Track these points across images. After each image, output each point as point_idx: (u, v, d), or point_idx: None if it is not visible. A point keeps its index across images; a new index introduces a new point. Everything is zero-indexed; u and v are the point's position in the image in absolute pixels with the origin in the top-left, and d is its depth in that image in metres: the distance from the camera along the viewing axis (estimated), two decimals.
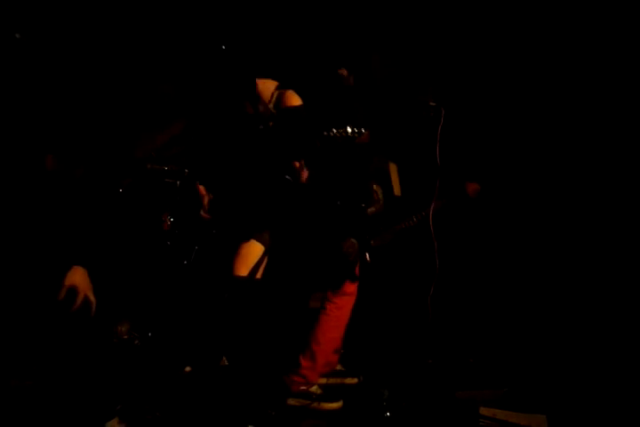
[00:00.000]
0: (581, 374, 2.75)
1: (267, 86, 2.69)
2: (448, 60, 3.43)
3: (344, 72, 2.95)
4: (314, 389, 2.83)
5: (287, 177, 2.49)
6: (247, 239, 2.60)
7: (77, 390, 2.07)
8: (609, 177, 3.11)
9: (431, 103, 2.91)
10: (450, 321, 3.23)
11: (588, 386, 2.64)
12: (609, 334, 2.90)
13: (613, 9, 3.07)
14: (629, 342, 2.80)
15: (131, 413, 2.31)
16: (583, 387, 2.64)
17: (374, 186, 3.20)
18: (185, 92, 3.05)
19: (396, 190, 3.33)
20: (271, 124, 2.56)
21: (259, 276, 2.58)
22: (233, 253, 2.59)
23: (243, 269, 2.55)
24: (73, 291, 2.03)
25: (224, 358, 2.76)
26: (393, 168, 3.35)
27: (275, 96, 2.68)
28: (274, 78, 2.76)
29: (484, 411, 2.52)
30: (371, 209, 3.11)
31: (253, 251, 2.59)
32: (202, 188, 2.98)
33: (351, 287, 2.90)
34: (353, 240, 2.85)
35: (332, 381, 2.96)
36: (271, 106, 2.65)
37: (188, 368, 2.78)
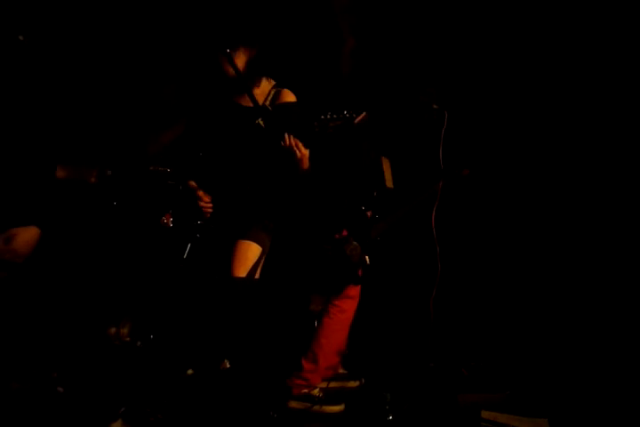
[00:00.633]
0: (583, 378, 2.76)
1: (264, 84, 2.74)
2: (452, 63, 3.44)
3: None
4: (316, 392, 2.84)
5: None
6: (245, 240, 2.60)
7: (81, 392, 2.07)
8: (611, 183, 3.11)
9: (434, 106, 2.92)
10: (452, 324, 3.23)
11: (590, 390, 2.65)
12: (610, 338, 2.91)
13: (613, 12, 3.08)
14: (630, 346, 2.81)
15: (134, 415, 2.30)
16: (585, 391, 2.65)
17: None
18: (185, 92, 3.05)
19: (389, 183, 3.32)
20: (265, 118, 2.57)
21: (257, 277, 2.58)
22: (230, 254, 2.59)
23: (241, 270, 2.55)
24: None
25: (226, 361, 2.76)
26: (386, 162, 3.36)
27: (271, 94, 2.73)
28: (274, 78, 2.80)
29: (485, 415, 2.52)
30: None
31: (251, 252, 2.59)
32: (201, 192, 2.97)
33: (354, 290, 2.91)
34: (355, 243, 2.86)
35: (334, 384, 2.95)
36: (267, 103, 2.70)
37: (190, 371, 2.78)
